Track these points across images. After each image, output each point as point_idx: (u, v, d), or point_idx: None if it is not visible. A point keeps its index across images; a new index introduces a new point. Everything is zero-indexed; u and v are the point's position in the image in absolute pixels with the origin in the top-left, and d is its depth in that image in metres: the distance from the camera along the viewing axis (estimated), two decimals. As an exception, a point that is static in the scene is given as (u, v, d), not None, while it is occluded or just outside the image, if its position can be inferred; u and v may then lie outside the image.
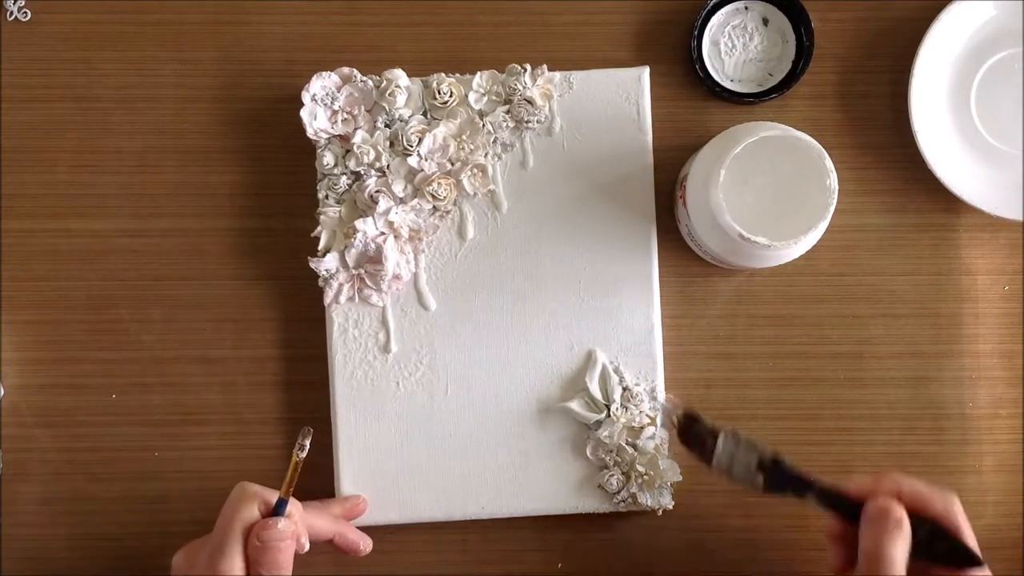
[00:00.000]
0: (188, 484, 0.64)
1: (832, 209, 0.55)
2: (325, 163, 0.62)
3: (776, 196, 0.56)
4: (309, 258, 0.62)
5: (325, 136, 0.62)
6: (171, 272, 0.65)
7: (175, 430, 0.65)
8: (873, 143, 0.66)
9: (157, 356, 0.65)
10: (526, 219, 0.63)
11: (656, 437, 0.62)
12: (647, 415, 0.62)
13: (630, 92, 0.64)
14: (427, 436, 0.63)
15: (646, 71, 0.64)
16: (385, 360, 0.63)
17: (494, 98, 0.63)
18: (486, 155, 0.63)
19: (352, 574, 0.64)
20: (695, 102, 0.66)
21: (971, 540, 0.52)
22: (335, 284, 0.62)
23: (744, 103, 0.65)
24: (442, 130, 0.62)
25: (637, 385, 0.63)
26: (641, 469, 0.61)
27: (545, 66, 0.63)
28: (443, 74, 0.62)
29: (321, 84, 0.62)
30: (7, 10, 0.65)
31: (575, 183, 0.63)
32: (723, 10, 0.65)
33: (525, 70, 0.62)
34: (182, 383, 0.65)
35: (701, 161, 0.59)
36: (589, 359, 0.63)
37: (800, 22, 0.64)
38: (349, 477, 0.63)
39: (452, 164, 0.62)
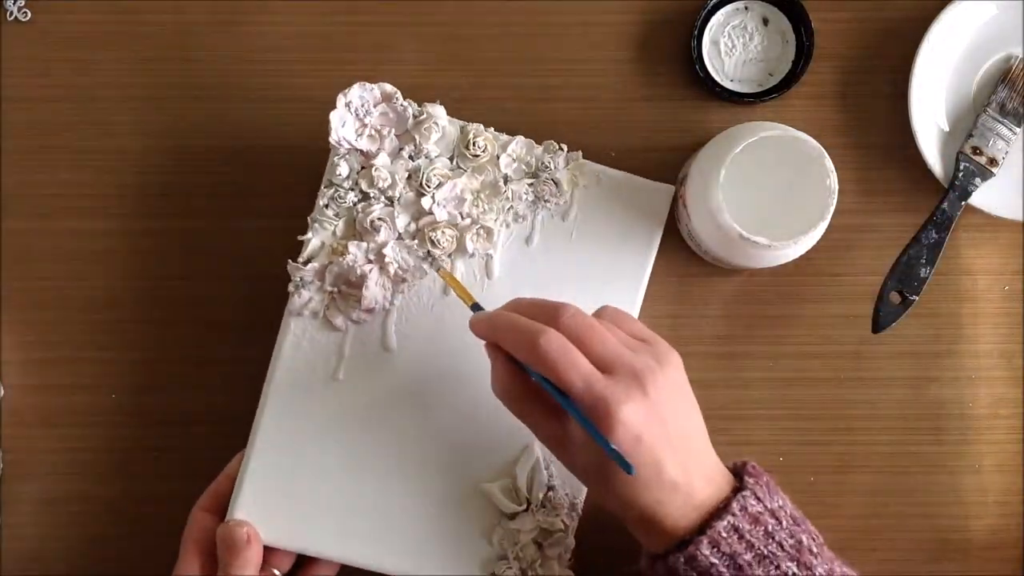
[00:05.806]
0: (188, 484, 0.64)
1: (832, 209, 0.56)
2: (337, 173, 0.60)
3: (776, 196, 0.56)
4: (290, 261, 0.60)
5: (346, 146, 0.60)
6: (171, 272, 0.65)
7: (175, 430, 0.65)
8: (873, 143, 0.66)
9: (157, 356, 0.65)
10: (512, 294, 0.57)
11: (563, 546, 0.60)
12: (563, 521, 0.60)
13: (655, 205, 0.62)
14: (342, 471, 0.60)
15: (671, 189, 0.62)
16: (327, 385, 0.60)
17: (523, 167, 0.61)
18: (496, 220, 0.61)
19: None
20: (695, 102, 0.66)
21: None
22: (305, 295, 0.60)
23: (744, 103, 0.65)
24: (464, 181, 0.60)
25: (563, 488, 0.60)
26: (541, 572, 0.59)
27: (580, 152, 0.61)
28: (482, 126, 0.60)
29: (360, 94, 0.59)
30: (7, 10, 0.65)
31: (571, 273, 0.61)
32: (723, 10, 0.65)
33: (562, 150, 0.61)
34: (182, 383, 0.65)
35: (701, 161, 0.59)
36: (525, 450, 0.60)
37: (800, 22, 0.64)
38: (252, 487, 0.59)
39: (462, 218, 0.60)
